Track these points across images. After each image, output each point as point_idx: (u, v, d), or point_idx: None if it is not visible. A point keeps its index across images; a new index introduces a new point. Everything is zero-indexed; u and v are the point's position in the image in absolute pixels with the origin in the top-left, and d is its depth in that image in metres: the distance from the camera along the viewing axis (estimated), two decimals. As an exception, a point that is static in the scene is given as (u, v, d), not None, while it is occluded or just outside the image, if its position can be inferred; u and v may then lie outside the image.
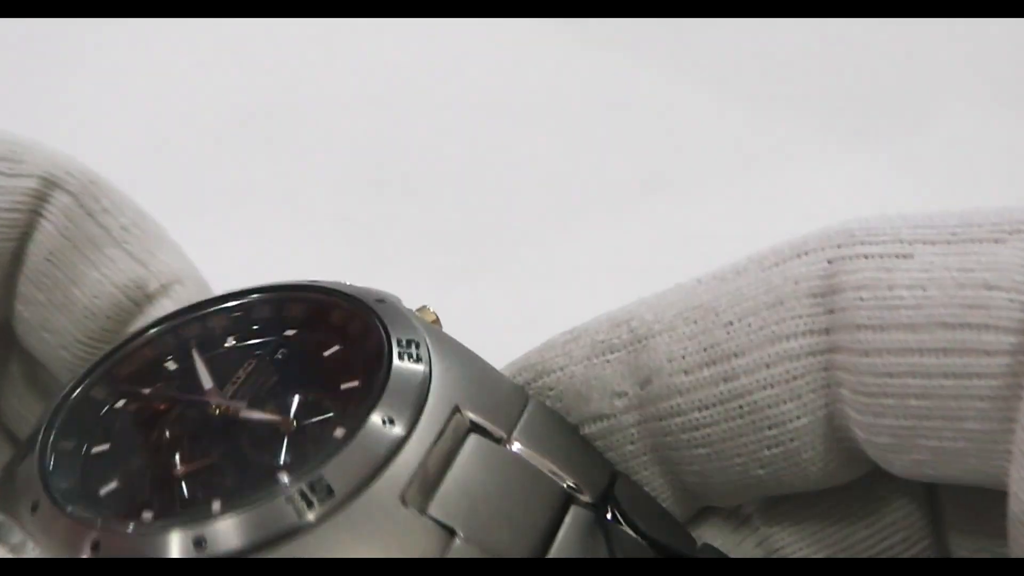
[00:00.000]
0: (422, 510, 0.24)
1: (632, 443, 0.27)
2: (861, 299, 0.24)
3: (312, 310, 0.29)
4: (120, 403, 0.28)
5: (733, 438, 0.26)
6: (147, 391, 0.28)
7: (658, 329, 0.26)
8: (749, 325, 0.25)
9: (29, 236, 0.31)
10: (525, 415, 0.27)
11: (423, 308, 0.29)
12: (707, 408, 0.26)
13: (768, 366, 0.25)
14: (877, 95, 0.65)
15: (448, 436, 0.25)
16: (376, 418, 0.25)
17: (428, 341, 0.27)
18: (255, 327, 0.29)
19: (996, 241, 0.23)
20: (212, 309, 0.30)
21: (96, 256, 0.31)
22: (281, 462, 0.25)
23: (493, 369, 0.28)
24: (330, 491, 0.24)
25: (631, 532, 0.26)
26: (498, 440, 0.26)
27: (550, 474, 0.26)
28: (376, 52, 0.68)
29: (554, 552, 0.25)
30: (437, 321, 0.29)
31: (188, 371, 0.28)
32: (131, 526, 0.24)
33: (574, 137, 0.64)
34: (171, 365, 0.29)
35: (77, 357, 0.31)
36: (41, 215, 0.31)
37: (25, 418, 0.34)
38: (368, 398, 0.25)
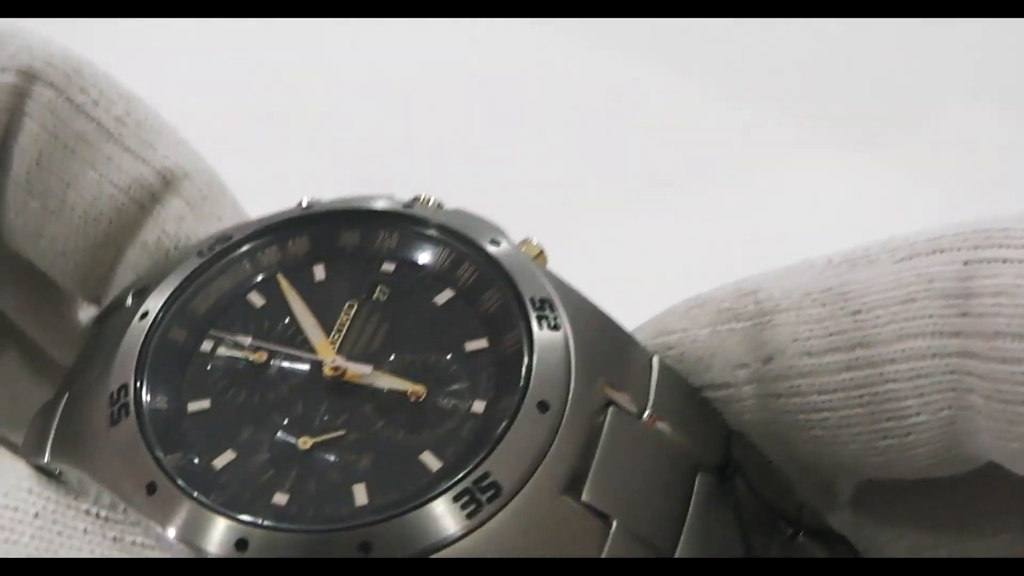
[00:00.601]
0: (577, 497, 0.23)
1: (748, 413, 0.27)
2: (1000, 305, 0.23)
3: (410, 244, 0.27)
4: (207, 346, 0.26)
5: (850, 425, 0.26)
6: (242, 339, 0.26)
7: (785, 306, 0.26)
8: (878, 317, 0.25)
9: (13, 137, 0.28)
10: (654, 382, 0.26)
11: (526, 241, 0.27)
12: (828, 393, 0.26)
13: (894, 361, 0.25)
14: (878, 95, 0.65)
15: (592, 412, 0.24)
16: (530, 401, 0.23)
17: (558, 299, 0.25)
18: (343, 255, 0.27)
19: None
20: (288, 229, 0.27)
21: (90, 154, 0.28)
22: (423, 440, 0.23)
23: (619, 327, 0.27)
24: (496, 488, 0.22)
25: (753, 496, 0.26)
26: (632, 411, 0.25)
27: (680, 442, 0.26)
28: (380, 52, 0.68)
29: (689, 523, 0.25)
30: (542, 255, 0.27)
31: (279, 310, 0.26)
32: (274, 520, 0.22)
33: (576, 137, 0.64)
34: (256, 299, 0.26)
35: (79, 265, 0.29)
36: (24, 113, 0.28)
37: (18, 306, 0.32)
38: (512, 375, 0.24)
